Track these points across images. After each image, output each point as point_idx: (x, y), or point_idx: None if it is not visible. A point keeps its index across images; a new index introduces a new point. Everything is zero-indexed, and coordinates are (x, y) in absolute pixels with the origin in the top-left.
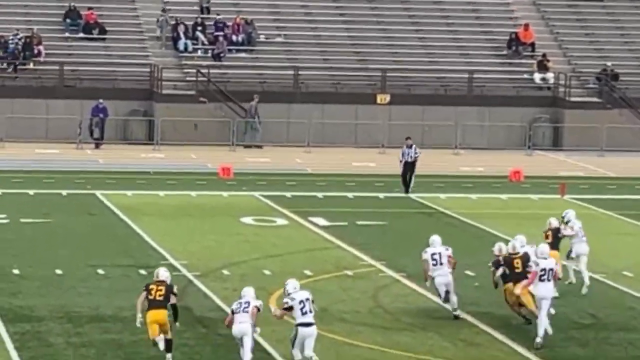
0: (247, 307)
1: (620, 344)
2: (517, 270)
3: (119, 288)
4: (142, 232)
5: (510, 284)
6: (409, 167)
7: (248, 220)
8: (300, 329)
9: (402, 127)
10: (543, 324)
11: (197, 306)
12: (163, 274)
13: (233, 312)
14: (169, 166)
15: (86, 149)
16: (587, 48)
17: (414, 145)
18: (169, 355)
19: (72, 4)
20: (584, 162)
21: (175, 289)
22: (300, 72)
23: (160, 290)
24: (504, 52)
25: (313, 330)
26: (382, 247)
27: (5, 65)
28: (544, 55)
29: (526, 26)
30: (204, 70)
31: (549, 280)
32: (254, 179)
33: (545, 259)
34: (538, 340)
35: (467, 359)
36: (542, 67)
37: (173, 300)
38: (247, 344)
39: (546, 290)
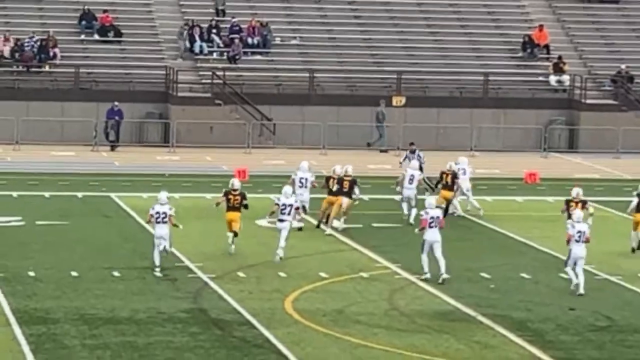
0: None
1: (636, 346)
2: None
3: (134, 290)
4: None
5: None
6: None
7: (263, 222)
8: (277, 223)
9: (417, 129)
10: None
11: (213, 308)
12: (237, 183)
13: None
14: (184, 168)
15: (102, 151)
16: (602, 50)
17: (417, 150)
18: (233, 246)
19: (87, 6)
20: (599, 164)
21: (245, 194)
22: (315, 75)
23: (237, 198)
24: (519, 54)
25: (287, 224)
26: (397, 250)
27: (21, 67)
28: (559, 57)
29: (540, 27)
30: (220, 73)
31: (582, 241)
32: (269, 181)
33: (579, 222)
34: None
35: None
36: (558, 69)
37: (245, 202)
38: (284, 234)
39: (580, 251)
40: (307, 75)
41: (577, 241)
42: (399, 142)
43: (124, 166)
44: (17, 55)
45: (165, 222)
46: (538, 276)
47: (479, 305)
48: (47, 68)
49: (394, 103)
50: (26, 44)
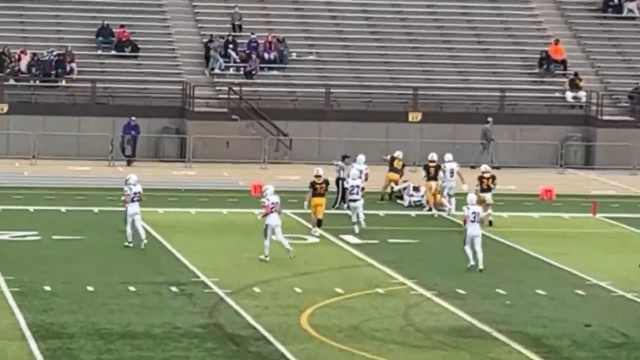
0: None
1: None
2: None
3: (150, 305)
4: (174, 250)
5: None
6: None
7: (275, 237)
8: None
9: (433, 145)
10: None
11: (229, 324)
12: (320, 171)
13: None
14: (200, 184)
15: (118, 166)
16: (619, 66)
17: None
18: (317, 229)
19: (105, 22)
20: (616, 181)
21: (328, 181)
22: (331, 90)
23: (322, 185)
24: (536, 71)
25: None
26: (413, 265)
27: (38, 82)
28: (575, 73)
29: (556, 41)
30: (236, 88)
31: (477, 221)
32: (285, 197)
33: (473, 205)
34: None
35: None
36: (574, 85)
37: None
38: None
39: (476, 230)
40: (324, 90)
41: (472, 221)
42: (415, 158)
43: (140, 181)
44: (34, 69)
45: (139, 200)
46: (554, 292)
47: (494, 321)
48: (64, 83)
49: (410, 119)
50: (43, 58)
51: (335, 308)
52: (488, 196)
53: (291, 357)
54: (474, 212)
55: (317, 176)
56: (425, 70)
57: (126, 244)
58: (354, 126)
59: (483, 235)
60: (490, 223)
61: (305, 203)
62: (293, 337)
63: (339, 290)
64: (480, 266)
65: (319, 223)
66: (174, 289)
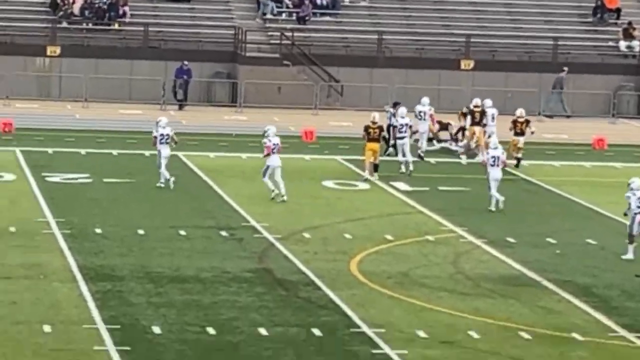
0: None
1: None
2: None
3: (199, 249)
4: (224, 194)
5: None
6: None
7: (330, 183)
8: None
9: (485, 93)
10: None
11: (278, 268)
12: (377, 117)
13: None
14: (251, 129)
15: (169, 110)
16: None
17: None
18: (374, 175)
19: None
20: None
21: (384, 127)
22: (383, 37)
23: (376, 130)
24: (589, 19)
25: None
26: (463, 213)
27: (90, 25)
28: (629, 23)
29: None
30: (288, 34)
31: (498, 165)
32: (336, 143)
33: (495, 149)
34: None
35: (546, 326)
36: (628, 34)
37: (383, 134)
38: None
39: (497, 173)
40: (376, 37)
41: (492, 165)
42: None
43: (192, 125)
44: (86, 12)
45: (169, 143)
46: (604, 242)
47: (544, 270)
48: (116, 26)
49: (462, 66)
50: (96, 2)
51: (384, 255)
52: (521, 140)
53: (340, 302)
54: (493, 157)
55: (373, 122)
56: (478, 18)
57: (159, 184)
58: (406, 73)
59: (535, 183)
60: (518, 164)
61: None
62: (342, 283)
63: (389, 237)
64: (501, 206)
65: (375, 168)
66: (223, 233)
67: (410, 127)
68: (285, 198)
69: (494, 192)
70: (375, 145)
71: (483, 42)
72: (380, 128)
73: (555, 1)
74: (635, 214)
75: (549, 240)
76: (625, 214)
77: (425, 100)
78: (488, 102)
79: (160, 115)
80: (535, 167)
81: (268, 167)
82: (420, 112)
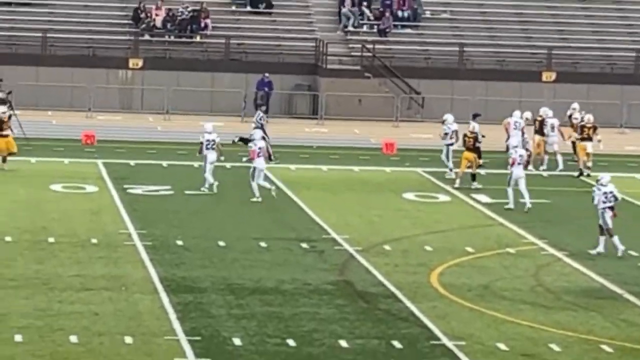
0: None
1: None
2: None
3: (280, 261)
4: (305, 206)
5: None
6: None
7: (410, 196)
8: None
9: (567, 105)
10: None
11: (359, 281)
12: (477, 127)
13: None
14: (332, 141)
15: (251, 122)
16: None
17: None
18: (473, 184)
19: None
20: None
21: (479, 137)
22: (465, 49)
23: (470, 139)
24: None
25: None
26: (544, 226)
27: (172, 37)
28: None
29: None
30: (369, 46)
31: (521, 163)
32: (416, 155)
33: (520, 148)
34: None
35: (629, 340)
36: None
37: (478, 144)
38: None
39: (520, 171)
40: (457, 49)
41: (519, 163)
42: None
43: (273, 137)
44: (168, 25)
45: (214, 149)
46: None
47: (626, 282)
48: (198, 38)
49: (543, 78)
50: (179, 14)
51: (465, 267)
52: (589, 145)
53: (420, 315)
54: (520, 155)
55: (471, 131)
56: (559, 30)
57: (202, 189)
58: (487, 85)
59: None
60: (587, 174)
61: None
62: (422, 295)
63: (469, 250)
64: (529, 205)
65: (472, 177)
66: (304, 245)
67: (456, 132)
68: (259, 199)
69: (523, 188)
70: (469, 155)
71: (565, 54)
72: (476, 137)
73: (637, 13)
74: (603, 209)
75: (631, 252)
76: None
77: (517, 113)
78: (549, 112)
79: (242, 127)
80: (618, 179)
81: (255, 169)
82: (515, 122)
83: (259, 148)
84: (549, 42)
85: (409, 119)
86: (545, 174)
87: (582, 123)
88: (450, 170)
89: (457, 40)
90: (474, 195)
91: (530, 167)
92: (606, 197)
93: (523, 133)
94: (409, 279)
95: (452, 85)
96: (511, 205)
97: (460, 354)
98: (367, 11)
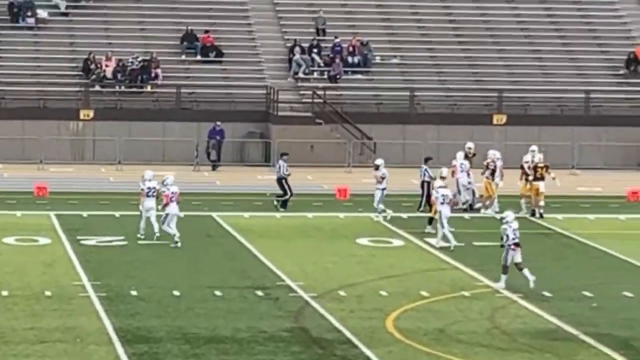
0: None
1: None
2: None
3: (236, 309)
4: (259, 254)
5: None
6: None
7: (364, 241)
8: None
9: (518, 148)
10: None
11: (314, 327)
12: (445, 171)
13: None
14: None
15: (203, 171)
16: None
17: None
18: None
19: (189, 27)
20: None
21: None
22: (415, 93)
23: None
24: (621, 72)
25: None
26: (498, 268)
27: (123, 88)
28: None
29: None
30: (320, 92)
31: (447, 203)
32: (369, 200)
33: (442, 188)
34: None
35: None
36: None
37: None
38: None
39: (447, 210)
40: (408, 93)
41: (442, 203)
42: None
43: (226, 186)
44: (119, 75)
45: (154, 196)
46: None
47: (581, 323)
48: (149, 88)
49: (494, 121)
50: (129, 65)
51: (420, 311)
52: (542, 185)
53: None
54: (443, 195)
55: (442, 177)
56: (509, 73)
57: (138, 235)
58: (438, 129)
59: (570, 237)
60: (540, 215)
61: None
62: (378, 341)
63: (424, 294)
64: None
65: (429, 221)
66: (259, 292)
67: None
68: (179, 245)
69: (446, 230)
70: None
71: (515, 97)
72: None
73: (585, 54)
74: (509, 245)
75: (585, 293)
76: (502, 246)
77: (460, 154)
78: (497, 154)
79: (194, 177)
80: (570, 220)
81: (167, 215)
82: (461, 164)
83: (172, 193)
84: (499, 85)
85: (361, 164)
86: (498, 216)
87: (535, 163)
88: (383, 212)
89: (408, 85)
90: (428, 240)
91: (479, 205)
92: (515, 234)
93: (469, 174)
94: (365, 324)
95: (404, 129)
96: (453, 243)
97: None
98: (317, 58)
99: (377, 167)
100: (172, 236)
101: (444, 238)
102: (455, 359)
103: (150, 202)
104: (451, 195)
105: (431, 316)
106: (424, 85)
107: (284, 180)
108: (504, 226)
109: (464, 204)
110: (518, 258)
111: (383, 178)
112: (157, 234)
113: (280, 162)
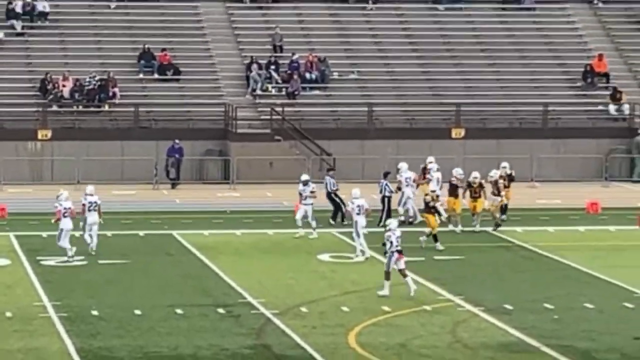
0: None
1: None
2: None
3: (197, 327)
4: (220, 271)
5: None
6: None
7: (325, 257)
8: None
9: (477, 161)
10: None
11: (277, 344)
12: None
13: None
14: (245, 205)
15: (162, 189)
16: None
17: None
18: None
19: (146, 45)
20: None
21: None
22: (374, 108)
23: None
24: (578, 84)
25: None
26: (460, 282)
27: (80, 107)
28: (614, 88)
29: (600, 56)
30: (278, 109)
31: (362, 213)
32: (329, 216)
33: (357, 198)
34: None
35: None
36: (615, 98)
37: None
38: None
39: (362, 220)
40: (366, 109)
41: (358, 214)
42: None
43: (185, 204)
44: (76, 95)
45: (96, 210)
46: (602, 305)
47: (542, 336)
48: (106, 107)
49: (453, 135)
50: (86, 84)
51: (382, 326)
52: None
53: (292, 335)
54: (358, 205)
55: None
56: (467, 87)
57: (88, 249)
58: (397, 144)
59: (530, 249)
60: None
61: None
62: (341, 356)
63: (386, 308)
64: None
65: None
66: (221, 310)
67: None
68: (74, 260)
69: (362, 240)
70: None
71: (473, 110)
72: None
73: (544, 67)
74: (393, 252)
75: (546, 305)
76: (385, 253)
77: (404, 165)
78: (460, 170)
79: (154, 195)
80: (530, 233)
81: (62, 230)
82: (406, 178)
83: (65, 208)
84: (457, 99)
85: (320, 180)
86: (458, 229)
87: (494, 179)
88: (314, 229)
89: (366, 100)
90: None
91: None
92: (397, 242)
93: (417, 186)
94: (327, 340)
95: (362, 145)
96: (367, 254)
97: None
98: (274, 74)
99: (306, 183)
100: (67, 250)
101: (362, 251)
102: None
103: (93, 217)
104: (367, 206)
105: (393, 331)
106: (382, 100)
107: (332, 195)
108: (387, 233)
109: (410, 217)
110: (401, 265)
111: (312, 192)
112: (94, 249)
113: (327, 177)
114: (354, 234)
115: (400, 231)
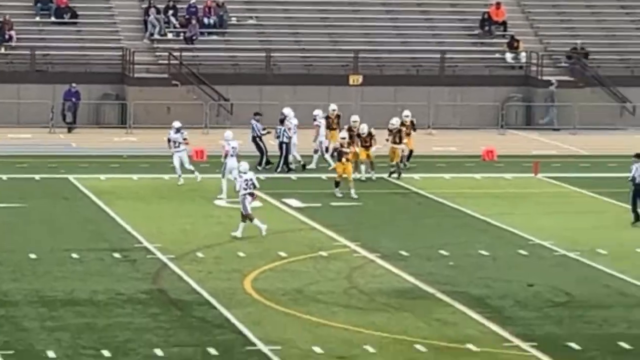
0: None
1: (595, 321)
2: None
3: (93, 272)
4: (116, 216)
5: None
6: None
7: (222, 202)
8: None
9: (374, 108)
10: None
11: (172, 289)
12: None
13: None
14: (142, 149)
15: (59, 133)
16: (558, 27)
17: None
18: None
19: None
20: (556, 141)
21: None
22: (272, 54)
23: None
24: (476, 32)
25: None
26: (356, 228)
27: None
28: (512, 36)
29: (498, 5)
30: (176, 54)
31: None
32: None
33: (231, 140)
34: None
35: (442, 339)
36: (512, 46)
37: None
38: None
39: (233, 162)
40: (264, 54)
41: (232, 155)
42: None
43: (82, 148)
44: None
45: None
46: (497, 253)
47: (438, 282)
48: (2, 50)
49: (350, 82)
50: None
51: (278, 272)
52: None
53: (235, 321)
54: (233, 147)
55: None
56: (365, 33)
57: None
58: (295, 90)
59: (426, 196)
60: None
61: None
62: (237, 302)
63: (283, 254)
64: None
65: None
66: (117, 255)
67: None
68: None
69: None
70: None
71: (371, 57)
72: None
73: (441, 15)
74: (243, 195)
75: (441, 252)
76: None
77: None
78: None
79: (50, 139)
80: (427, 180)
81: None
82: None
83: None
84: (355, 46)
85: (218, 125)
86: (356, 176)
87: (395, 127)
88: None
89: (264, 46)
90: (285, 200)
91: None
92: (247, 184)
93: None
94: (223, 285)
95: (261, 90)
96: (223, 196)
97: (276, 359)
98: (172, 19)
99: (178, 130)
100: None
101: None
102: (313, 319)
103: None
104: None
105: (289, 276)
106: (280, 47)
107: (257, 139)
108: (236, 176)
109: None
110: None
111: (185, 139)
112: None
113: (252, 121)
114: (222, 175)
115: (253, 173)
